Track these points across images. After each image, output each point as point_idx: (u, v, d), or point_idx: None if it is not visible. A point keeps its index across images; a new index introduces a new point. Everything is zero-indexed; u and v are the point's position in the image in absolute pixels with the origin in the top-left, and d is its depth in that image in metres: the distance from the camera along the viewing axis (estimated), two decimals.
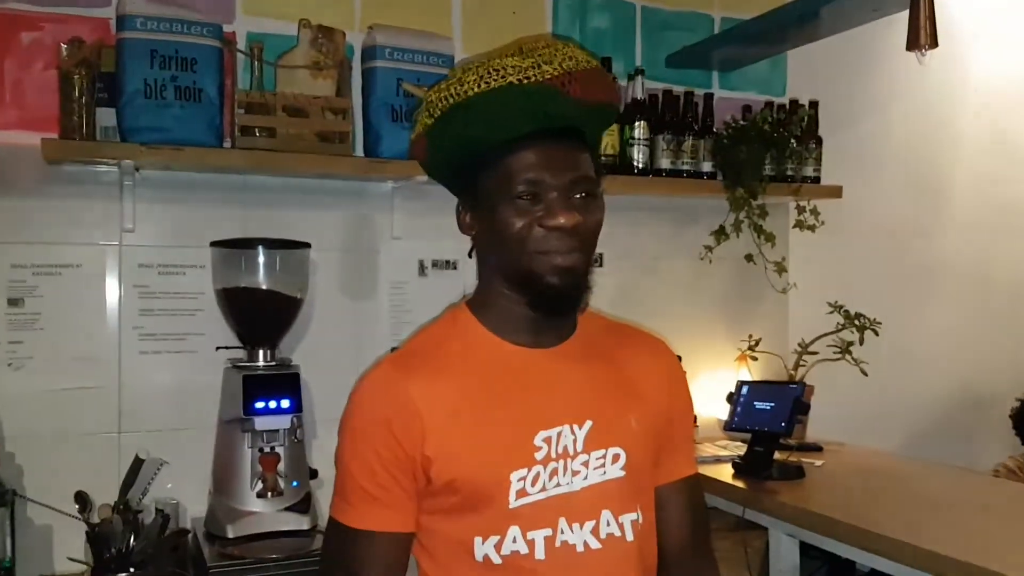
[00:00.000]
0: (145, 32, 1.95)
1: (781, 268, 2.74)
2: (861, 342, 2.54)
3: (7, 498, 1.87)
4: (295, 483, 1.98)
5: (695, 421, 2.61)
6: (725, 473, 2.22)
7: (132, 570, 1.73)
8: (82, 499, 1.87)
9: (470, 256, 1.25)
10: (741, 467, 2.20)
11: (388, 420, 1.11)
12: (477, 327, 1.19)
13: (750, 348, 2.73)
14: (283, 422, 1.96)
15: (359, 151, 2.24)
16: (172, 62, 1.97)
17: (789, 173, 2.65)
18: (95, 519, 1.84)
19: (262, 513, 1.93)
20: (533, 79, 1.09)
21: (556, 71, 1.10)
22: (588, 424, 1.15)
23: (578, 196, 1.12)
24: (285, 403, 1.97)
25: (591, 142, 1.18)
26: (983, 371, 3.28)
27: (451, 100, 1.12)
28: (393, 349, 2.17)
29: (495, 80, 1.09)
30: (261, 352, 2.06)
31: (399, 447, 1.10)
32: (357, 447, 1.14)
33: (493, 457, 1.11)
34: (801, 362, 2.67)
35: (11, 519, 1.87)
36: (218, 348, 2.09)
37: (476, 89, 1.10)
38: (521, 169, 1.10)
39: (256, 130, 2.05)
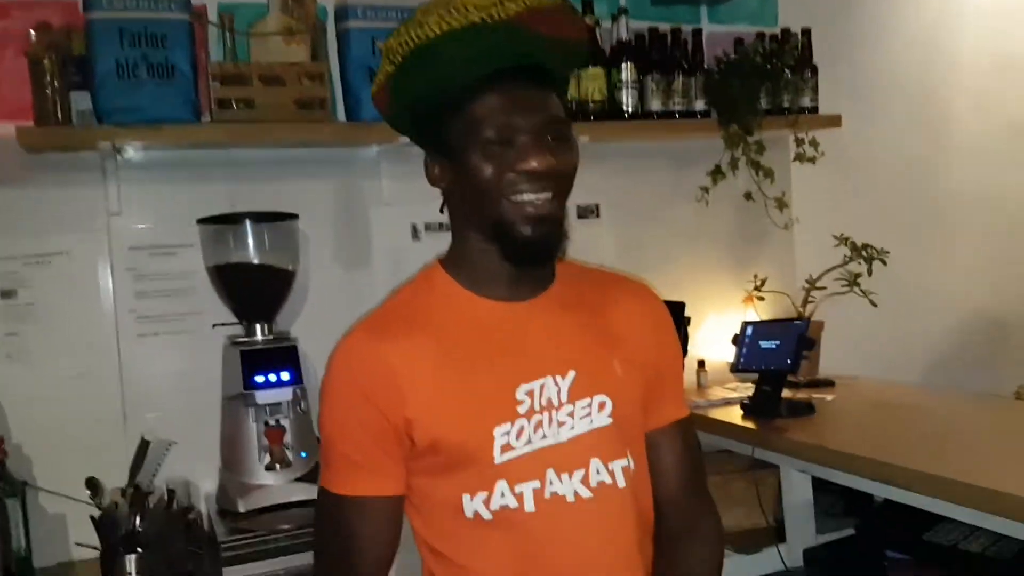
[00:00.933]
0: (112, 11, 1.92)
1: (782, 204, 2.68)
2: (870, 273, 2.50)
3: (17, 489, 1.88)
4: (303, 454, 1.99)
5: (703, 366, 2.59)
6: (735, 415, 2.19)
7: (140, 550, 1.74)
8: (93, 485, 1.88)
9: (441, 211, 1.21)
10: (750, 407, 2.18)
11: (365, 386, 1.09)
12: (451, 284, 1.16)
13: (756, 288, 2.69)
14: (285, 394, 1.96)
15: (340, 116, 2.20)
16: (142, 39, 1.93)
17: (785, 105, 2.59)
18: (107, 504, 1.86)
19: (272, 486, 1.94)
20: (497, 16, 1.04)
21: (520, 7, 1.05)
22: (571, 374, 1.13)
23: (550, 138, 1.07)
24: (285, 375, 1.97)
25: (560, 82, 1.14)
26: (997, 296, 3.22)
27: (412, 43, 1.07)
28: None
29: (457, 20, 1.04)
30: (258, 327, 2.05)
31: (379, 413, 1.09)
32: (337, 416, 1.12)
33: (474, 414, 1.09)
34: (810, 298, 2.62)
35: (23, 510, 1.89)
36: (215, 325, 2.09)
37: (438, 30, 1.04)
38: (489, 113, 1.05)
39: (233, 102, 2.02)
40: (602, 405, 1.13)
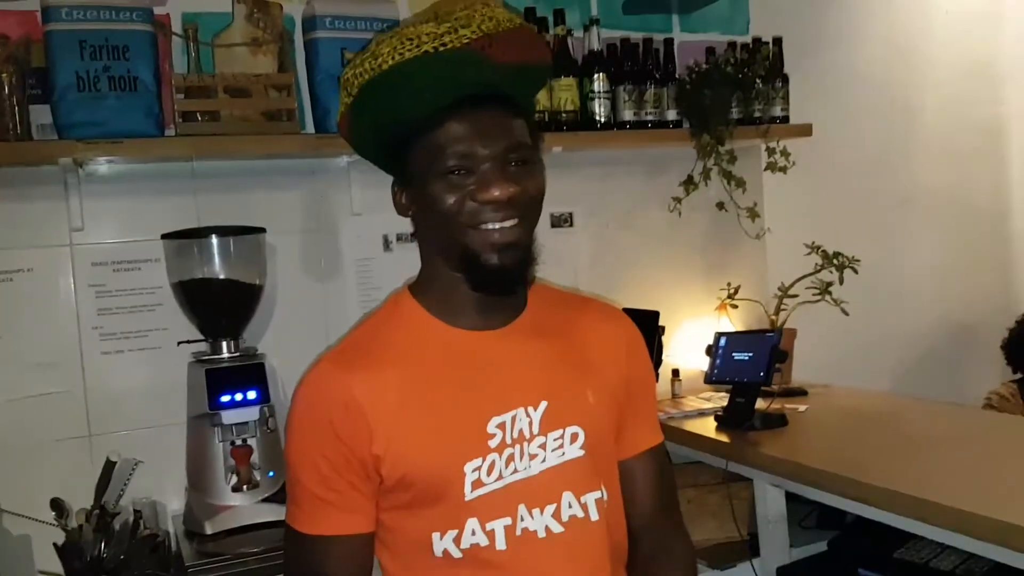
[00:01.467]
0: (72, 22, 1.87)
1: (754, 214, 2.68)
2: (841, 281, 2.50)
3: None
4: (271, 474, 1.95)
5: (677, 375, 2.58)
6: (708, 427, 2.19)
7: None
8: (58, 506, 1.84)
9: (412, 239, 1.19)
10: (723, 420, 2.17)
11: (331, 421, 1.07)
12: (420, 313, 1.14)
13: (729, 296, 2.69)
14: (251, 414, 1.93)
15: (309, 127, 2.17)
16: (103, 51, 1.89)
17: (756, 115, 2.58)
18: (73, 525, 1.81)
19: (239, 507, 1.90)
20: (450, 45, 1.03)
21: (474, 34, 1.04)
22: (543, 405, 1.11)
23: (513, 165, 1.06)
24: (252, 394, 1.93)
25: (523, 105, 1.12)
26: (966, 301, 3.25)
27: (366, 76, 1.06)
28: None
29: (409, 50, 1.03)
30: (224, 344, 2.02)
31: (346, 448, 1.06)
32: (303, 450, 1.10)
33: (445, 450, 1.07)
34: (782, 306, 2.63)
35: None
36: (180, 343, 2.04)
37: (391, 61, 1.03)
38: (448, 142, 1.04)
39: (198, 115, 1.99)
40: (574, 436, 1.12)
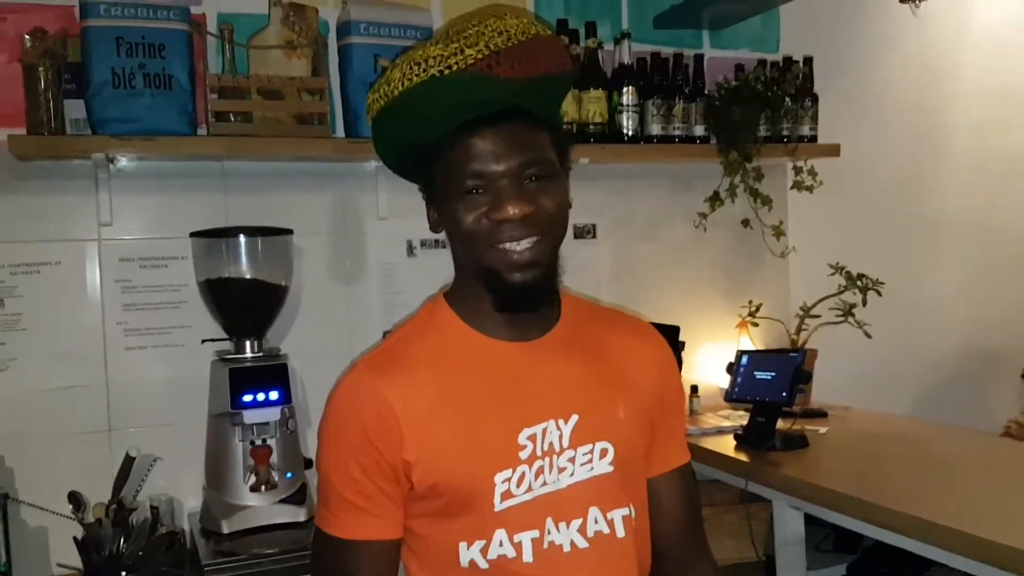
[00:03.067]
0: (110, 19, 1.89)
1: (779, 232, 2.67)
2: (864, 303, 2.48)
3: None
4: (289, 475, 1.95)
5: (696, 391, 2.57)
6: (727, 445, 2.18)
7: (124, 573, 1.70)
8: (76, 499, 1.85)
9: (438, 245, 1.20)
10: (743, 439, 2.16)
11: (365, 427, 1.06)
12: (455, 322, 1.14)
13: (751, 315, 2.67)
14: (273, 414, 1.93)
15: (339, 131, 2.18)
16: (139, 49, 1.91)
17: (784, 133, 2.58)
18: (89, 519, 1.82)
19: (256, 507, 1.91)
20: (455, 67, 1.02)
21: (480, 53, 1.03)
22: (574, 419, 1.10)
23: (530, 181, 1.05)
24: (274, 395, 1.94)
25: (544, 116, 1.09)
26: (991, 326, 3.22)
27: (380, 102, 1.07)
28: (385, 334, 2.13)
29: (417, 75, 1.03)
30: (248, 343, 2.02)
31: (379, 454, 1.06)
32: (336, 456, 1.10)
33: (476, 459, 1.06)
34: (803, 326, 2.61)
35: (4, 522, 1.86)
36: (204, 341, 2.05)
37: (400, 88, 1.04)
38: (463, 161, 1.04)
39: (231, 115, 2.00)
40: (604, 452, 1.11)
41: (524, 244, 1.04)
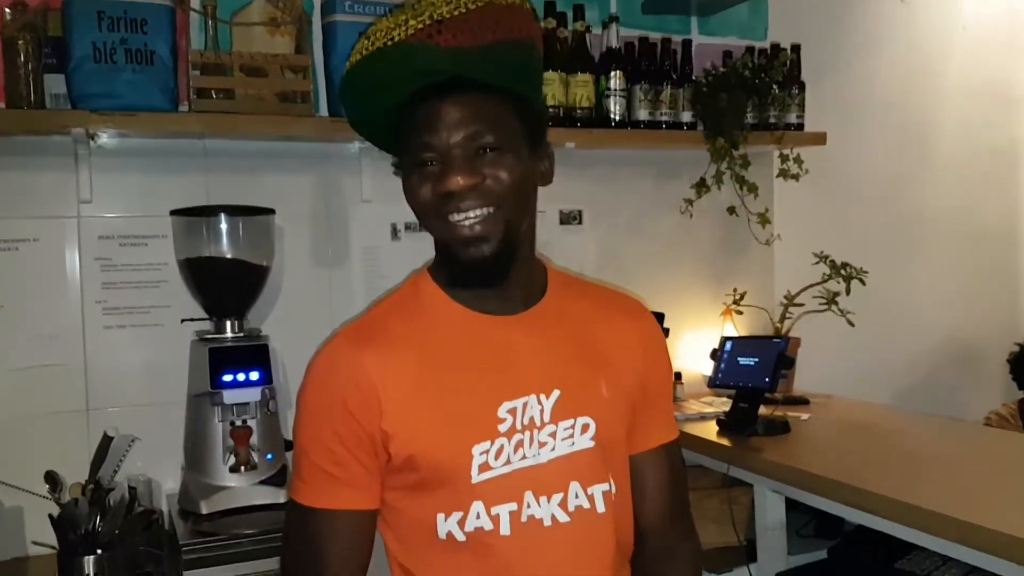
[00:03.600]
0: None
1: (764, 220, 2.68)
2: (848, 292, 2.49)
3: None
4: (269, 456, 1.93)
5: (680, 378, 2.57)
6: (710, 430, 2.18)
7: (100, 551, 1.68)
8: (52, 479, 1.83)
9: (421, 227, 1.18)
10: (725, 424, 2.16)
11: (344, 397, 1.06)
12: (439, 294, 1.13)
13: (735, 302, 2.68)
14: (253, 395, 1.91)
15: (323, 111, 2.16)
16: (121, 23, 1.87)
17: (771, 121, 2.57)
18: (66, 499, 1.80)
19: (236, 488, 1.89)
20: (397, 38, 1.01)
21: (421, 23, 1.01)
22: (556, 393, 1.10)
23: (485, 152, 1.03)
24: (254, 375, 1.92)
25: (504, 85, 1.05)
26: (972, 321, 3.24)
27: (345, 74, 1.08)
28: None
29: (367, 48, 1.04)
30: (228, 323, 2.00)
31: (357, 424, 1.05)
32: (313, 424, 1.09)
33: (454, 431, 1.06)
34: (787, 315, 2.61)
35: None
36: (183, 320, 2.03)
37: (354, 60, 1.05)
38: (414, 133, 1.04)
39: (213, 92, 1.97)
40: (585, 427, 1.11)
41: (473, 216, 1.03)
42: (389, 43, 1.01)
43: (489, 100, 1.04)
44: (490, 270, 1.07)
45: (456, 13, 1.02)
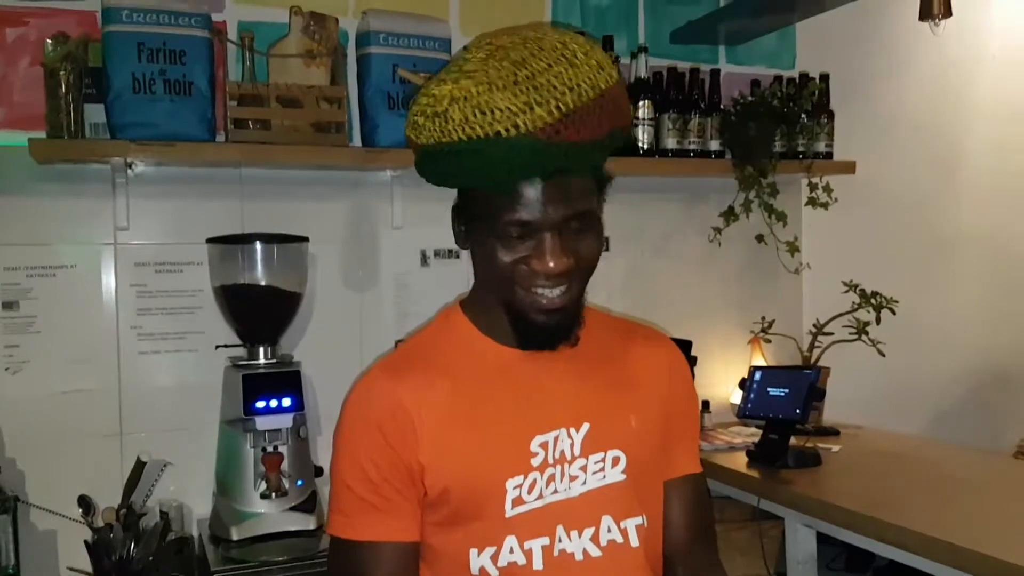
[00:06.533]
0: (131, 24, 1.90)
1: (793, 248, 2.67)
2: (878, 321, 2.47)
3: (9, 504, 1.84)
4: (300, 482, 1.95)
5: (707, 407, 2.56)
6: (739, 462, 2.16)
7: None
8: (85, 503, 1.86)
9: (451, 255, 1.20)
10: (755, 455, 2.15)
11: (380, 426, 1.07)
12: (470, 329, 1.14)
13: (763, 331, 2.67)
14: (285, 421, 1.93)
15: (356, 140, 2.19)
16: (160, 55, 1.92)
17: (800, 149, 2.57)
18: (99, 523, 1.82)
19: (266, 514, 1.90)
20: (522, 128, 0.96)
21: (549, 115, 0.97)
22: (585, 427, 1.10)
23: (575, 227, 1.04)
24: (287, 402, 1.93)
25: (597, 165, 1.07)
26: (1006, 346, 3.19)
27: (432, 137, 1.01)
28: (397, 343, 2.13)
29: (481, 126, 0.97)
30: (261, 349, 2.02)
31: (394, 454, 1.06)
32: (352, 456, 1.09)
33: (488, 465, 1.06)
34: (816, 344, 2.60)
35: (14, 525, 1.85)
36: (217, 347, 2.06)
37: (460, 134, 0.98)
38: (510, 207, 1.01)
39: (249, 122, 2.01)
40: (616, 460, 1.11)
41: (557, 292, 1.04)
42: (513, 131, 0.96)
43: (583, 179, 1.04)
44: (559, 337, 1.09)
45: (579, 103, 0.98)
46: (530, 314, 1.06)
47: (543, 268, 1.02)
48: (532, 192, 1.00)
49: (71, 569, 1.86)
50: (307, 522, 1.91)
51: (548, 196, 1.01)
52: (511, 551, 1.05)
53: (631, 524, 1.10)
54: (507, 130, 0.97)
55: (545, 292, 1.04)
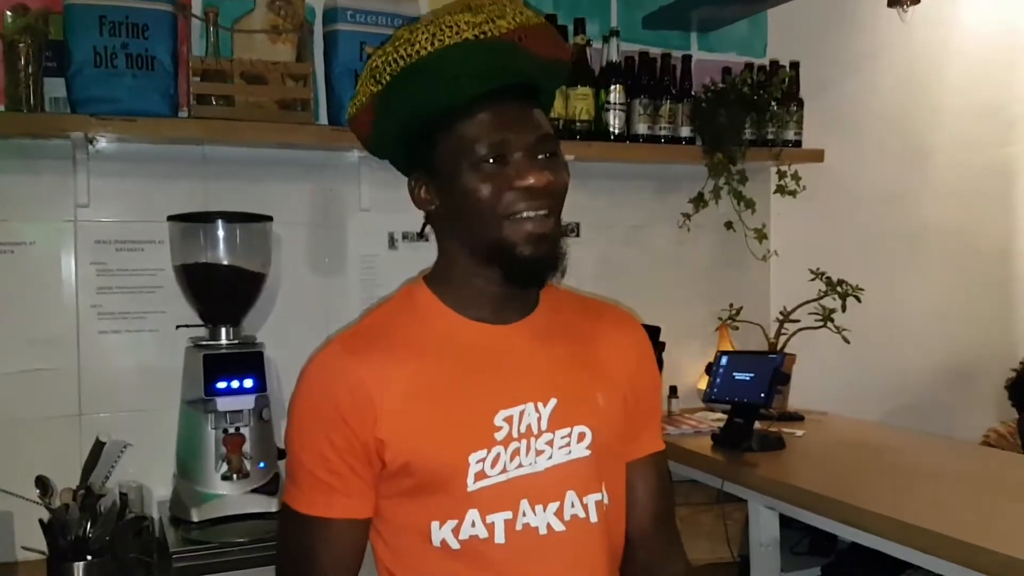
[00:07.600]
0: None
1: (761, 235, 2.68)
2: (844, 309, 2.49)
3: None
4: (262, 464, 1.93)
5: (675, 392, 2.57)
6: (704, 445, 2.17)
7: (90, 557, 1.67)
8: (43, 484, 1.82)
9: (420, 235, 1.20)
10: (720, 439, 2.15)
11: (338, 404, 1.05)
12: (434, 303, 1.12)
13: (731, 317, 2.68)
14: (247, 402, 1.91)
15: (323, 119, 2.16)
16: (123, 28, 1.88)
17: (770, 137, 2.59)
18: (56, 504, 1.79)
19: (227, 496, 1.88)
20: (490, 33, 1.03)
21: (511, 25, 1.04)
22: (553, 402, 1.09)
23: (542, 156, 1.05)
24: (248, 383, 1.91)
25: (546, 101, 1.13)
26: (967, 340, 3.24)
27: (402, 62, 1.03)
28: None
29: (449, 37, 1.02)
30: (223, 330, 2.00)
31: (351, 432, 1.04)
32: (307, 432, 1.08)
33: (450, 439, 1.05)
34: (782, 331, 2.61)
35: None
36: (178, 327, 2.02)
37: (429, 48, 1.02)
38: (484, 131, 1.03)
39: (213, 99, 1.98)
40: (582, 436, 1.10)
41: (541, 214, 1.04)
42: (482, 36, 1.02)
43: (544, 110, 1.09)
44: (546, 268, 1.08)
45: (531, 23, 1.06)
46: (519, 246, 1.04)
47: (524, 183, 1.03)
48: (502, 114, 1.03)
49: (26, 548, 1.82)
50: (268, 504, 1.88)
51: (519, 117, 1.04)
52: (472, 524, 1.04)
53: (592, 500, 1.10)
54: (476, 36, 1.02)
55: (531, 214, 1.04)
